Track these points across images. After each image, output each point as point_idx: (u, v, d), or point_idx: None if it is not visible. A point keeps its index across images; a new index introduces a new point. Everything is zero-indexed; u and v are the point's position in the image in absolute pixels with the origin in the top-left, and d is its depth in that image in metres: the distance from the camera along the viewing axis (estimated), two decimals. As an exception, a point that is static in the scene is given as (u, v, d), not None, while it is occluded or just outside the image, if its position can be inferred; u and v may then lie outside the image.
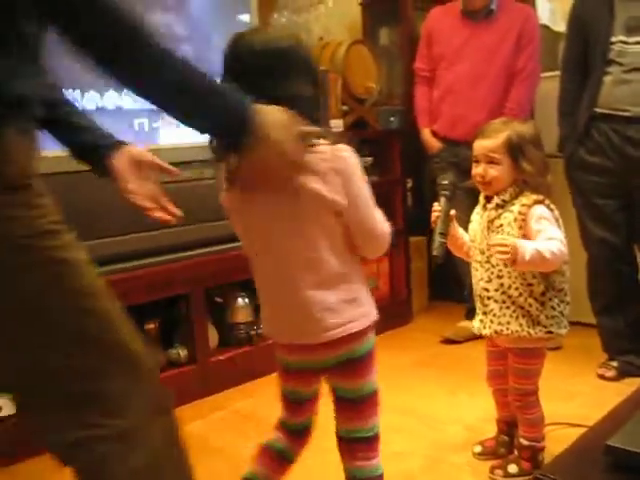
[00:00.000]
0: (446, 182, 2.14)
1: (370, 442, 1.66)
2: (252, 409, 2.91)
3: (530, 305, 2.08)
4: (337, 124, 3.47)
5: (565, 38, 3.08)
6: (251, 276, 3.20)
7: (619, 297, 3.00)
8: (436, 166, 3.57)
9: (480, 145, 2.13)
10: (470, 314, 3.70)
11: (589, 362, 3.12)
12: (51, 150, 2.58)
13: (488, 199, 2.15)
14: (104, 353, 1.21)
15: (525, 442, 2.23)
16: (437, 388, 2.85)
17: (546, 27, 3.99)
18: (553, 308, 2.09)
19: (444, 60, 3.59)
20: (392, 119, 3.92)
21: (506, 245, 1.92)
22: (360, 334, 1.58)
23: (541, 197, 2.06)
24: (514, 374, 2.20)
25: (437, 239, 2.05)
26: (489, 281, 2.13)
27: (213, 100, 1.26)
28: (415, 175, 4.27)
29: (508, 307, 2.10)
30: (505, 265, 2.06)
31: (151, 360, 1.30)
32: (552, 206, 2.06)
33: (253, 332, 3.23)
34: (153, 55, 1.17)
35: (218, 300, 3.26)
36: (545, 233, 1.99)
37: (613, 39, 2.77)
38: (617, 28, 2.77)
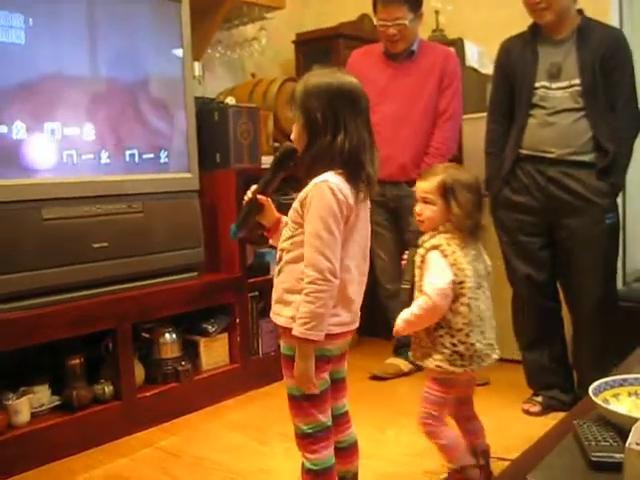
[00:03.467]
0: (415, 229, 2.31)
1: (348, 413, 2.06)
2: (178, 447, 2.86)
3: (421, 340, 2.23)
4: (268, 161, 3.48)
5: (491, 82, 3.17)
6: (178, 312, 3.20)
7: (544, 333, 3.06)
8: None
9: (418, 186, 2.27)
10: (398, 351, 3.74)
11: (515, 397, 3.16)
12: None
13: None
14: None
15: (451, 465, 2.31)
16: (364, 424, 2.84)
17: (474, 69, 4.09)
18: (444, 345, 2.17)
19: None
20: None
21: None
22: None
23: (439, 242, 2.18)
24: (421, 396, 2.29)
25: (402, 285, 2.26)
26: None
27: None
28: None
29: (413, 336, 2.27)
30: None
31: None
32: (448, 252, 2.16)
33: (180, 368, 3.18)
34: None
35: (145, 336, 3.20)
36: (423, 283, 2.17)
37: (537, 84, 2.87)
38: (540, 74, 2.87)
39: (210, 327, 3.39)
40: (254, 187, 1.97)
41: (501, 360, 3.62)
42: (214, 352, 3.42)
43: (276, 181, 1.98)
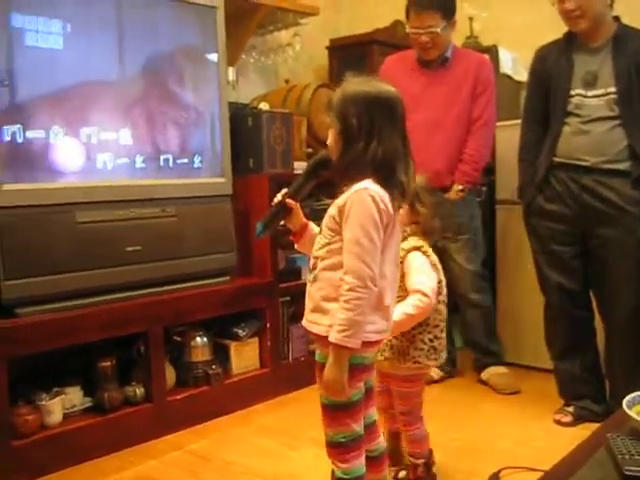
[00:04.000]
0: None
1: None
2: (208, 450, 2.87)
3: (397, 339, 2.29)
4: (301, 166, 3.49)
5: (526, 88, 3.15)
6: (210, 316, 3.22)
7: (575, 342, 3.03)
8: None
9: None
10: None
11: (546, 407, 3.13)
12: (10, 183, 2.61)
13: None
14: None
15: (414, 460, 2.41)
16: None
17: (508, 77, 4.07)
18: (423, 341, 2.30)
19: None
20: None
21: None
22: None
23: (419, 243, 2.28)
24: (397, 396, 2.39)
25: None
26: None
27: None
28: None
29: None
30: None
31: None
32: (429, 252, 2.29)
33: (211, 371, 3.20)
34: None
35: (176, 339, 3.22)
36: (411, 282, 2.23)
37: (572, 92, 2.84)
38: (576, 82, 2.84)
39: (241, 331, 3.41)
40: (285, 190, 1.98)
41: (533, 369, 3.64)
42: (244, 356, 3.43)
43: (307, 188, 1.99)
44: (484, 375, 3.60)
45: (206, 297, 3.22)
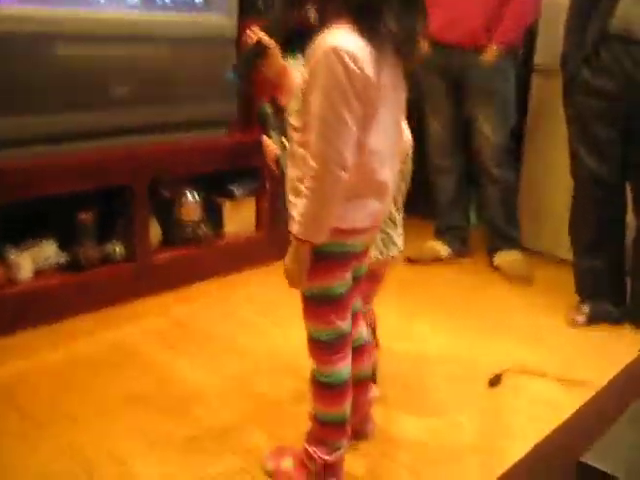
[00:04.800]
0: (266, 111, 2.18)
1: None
2: (189, 317, 2.68)
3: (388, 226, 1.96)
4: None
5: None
6: (203, 171, 2.93)
7: (602, 236, 2.76)
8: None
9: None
10: (439, 233, 3.47)
11: (558, 301, 2.91)
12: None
13: None
14: None
15: None
16: (393, 311, 2.63)
17: None
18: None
19: None
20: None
21: None
22: None
23: None
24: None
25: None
26: None
27: None
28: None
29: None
30: None
31: None
32: None
33: (200, 232, 2.96)
34: None
35: (164, 194, 2.95)
36: None
37: (641, -54, 2.40)
38: None
39: (236, 189, 3.13)
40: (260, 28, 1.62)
41: (550, 257, 3.40)
42: (239, 217, 3.17)
43: (289, 22, 1.62)
44: (496, 259, 3.34)
45: (200, 149, 2.93)
